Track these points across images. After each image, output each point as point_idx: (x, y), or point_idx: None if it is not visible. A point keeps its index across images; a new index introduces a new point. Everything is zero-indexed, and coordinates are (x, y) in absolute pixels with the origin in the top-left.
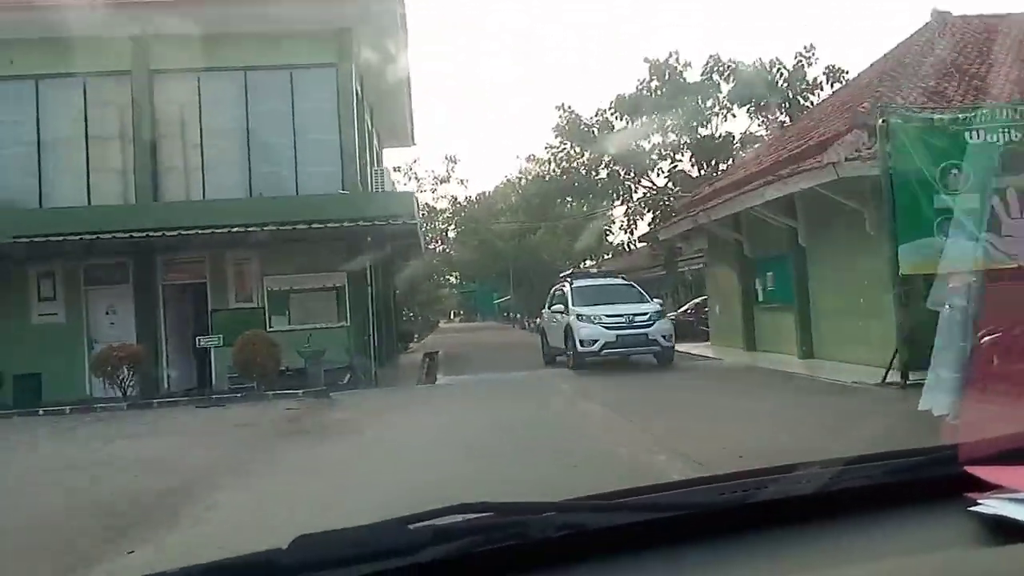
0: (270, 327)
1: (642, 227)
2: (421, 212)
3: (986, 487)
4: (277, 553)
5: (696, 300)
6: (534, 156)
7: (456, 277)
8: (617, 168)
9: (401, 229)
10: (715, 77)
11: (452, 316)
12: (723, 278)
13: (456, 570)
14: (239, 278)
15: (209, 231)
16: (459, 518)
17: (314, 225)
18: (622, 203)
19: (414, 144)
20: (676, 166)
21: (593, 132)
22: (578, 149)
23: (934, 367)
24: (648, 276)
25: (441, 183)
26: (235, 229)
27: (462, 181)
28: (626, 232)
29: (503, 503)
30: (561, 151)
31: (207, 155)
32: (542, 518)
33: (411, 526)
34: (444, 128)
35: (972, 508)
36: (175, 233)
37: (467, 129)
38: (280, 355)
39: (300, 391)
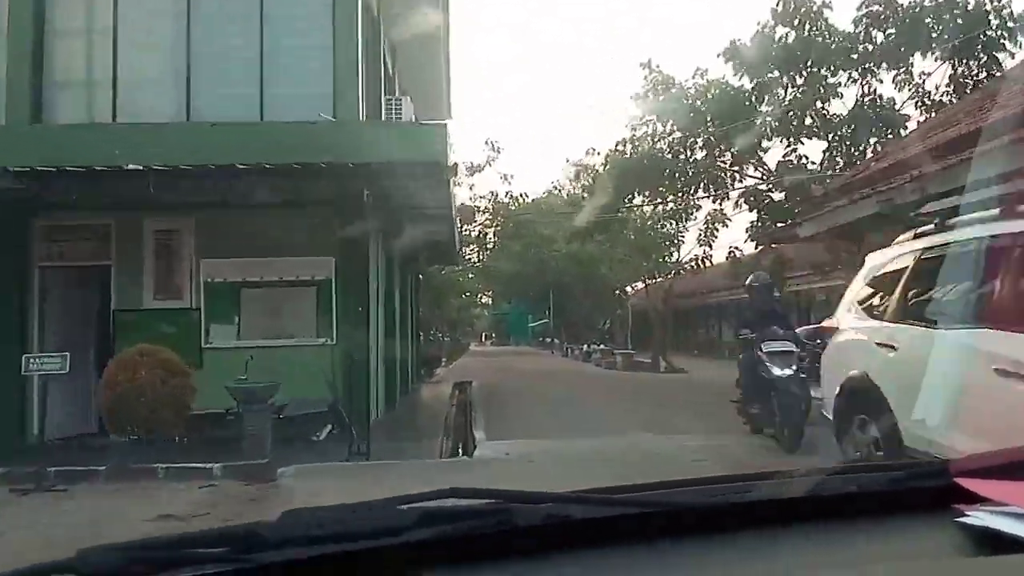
0: (207, 341)
1: (724, 235)
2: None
3: (975, 499)
4: (265, 526)
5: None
6: (593, 150)
7: (490, 297)
8: (719, 148)
9: (423, 192)
10: (877, 8)
11: (483, 339)
12: None
13: (441, 552)
14: (163, 260)
15: (111, 169)
16: (449, 502)
17: (267, 165)
18: (715, 199)
19: (450, 118)
20: (795, 149)
21: (688, 98)
22: (666, 125)
23: None
24: (719, 300)
25: (476, 172)
26: (154, 166)
27: (505, 176)
28: (702, 244)
29: (494, 490)
30: (643, 123)
31: (123, 63)
32: (528, 508)
33: (400, 507)
34: (485, 121)
35: (960, 519)
36: (60, 169)
37: (511, 127)
38: (191, 391)
39: (219, 464)
